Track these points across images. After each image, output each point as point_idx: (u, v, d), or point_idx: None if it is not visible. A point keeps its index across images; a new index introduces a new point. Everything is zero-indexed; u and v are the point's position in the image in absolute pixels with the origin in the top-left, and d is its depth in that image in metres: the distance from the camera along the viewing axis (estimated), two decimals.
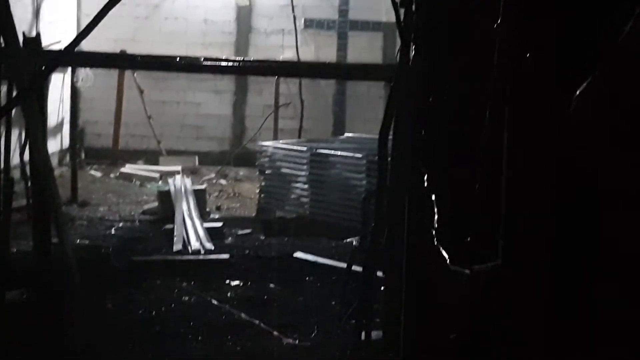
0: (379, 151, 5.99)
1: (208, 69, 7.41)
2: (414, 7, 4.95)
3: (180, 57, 6.95)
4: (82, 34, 5.60)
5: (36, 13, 15.40)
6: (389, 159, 6.18)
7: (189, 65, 6.97)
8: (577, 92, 2.53)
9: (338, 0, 17.82)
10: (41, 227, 7.94)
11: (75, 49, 6.52)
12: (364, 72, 8.31)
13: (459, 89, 4.10)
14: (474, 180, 3.27)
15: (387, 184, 6.07)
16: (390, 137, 6.00)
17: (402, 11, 5.19)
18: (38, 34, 6.92)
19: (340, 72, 9.21)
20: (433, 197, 3.27)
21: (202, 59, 7.33)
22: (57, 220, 7.83)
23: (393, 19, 18.27)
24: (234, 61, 10.31)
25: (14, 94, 7.18)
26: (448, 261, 2.96)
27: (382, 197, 6.12)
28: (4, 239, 7.56)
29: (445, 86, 4.28)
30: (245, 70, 9.41)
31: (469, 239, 2.93)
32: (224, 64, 8.07)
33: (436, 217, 3.15)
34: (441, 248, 3.06)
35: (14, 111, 8.73)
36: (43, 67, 6.70)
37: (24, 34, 6.66)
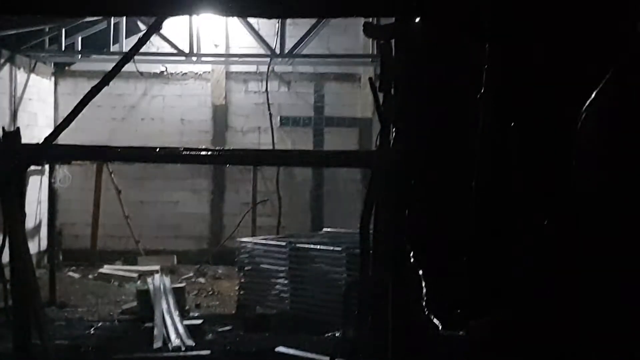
0: (360, 234, 6.00)
1: (188, 159, 7.43)
2: (392, 91, 5.04)
3: (160, 148, 6.96)
4: (61, 126, 5.64)
5: (13, 117, 15.48)
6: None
7: (169, 155, 6.98)
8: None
9: (313, 98, 18.04)
10: (22, 327, 7.84)
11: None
12: (342, 158, 8.34)
13: (439, 167, 4.15)
14: (459, 254, 3.29)
15: (370, 268, 6.08)
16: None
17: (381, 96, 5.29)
18: (17, 128, 6.95)
19: (320, 159, 9.24)
20: (420, 272, 3.29)
21: (181, 149, 7.35)
22: (38, 320, 7.74)
23: (368, 115, 18.36)
24: (213, 150, 10.36)
25: None
26: (440, 327, 2.96)
27: (365, 280, 6.11)
28: None
29: (426, 166, 4.32)
30: (225, 159, 9.41)
31: (459, 310, 2.95)
32: (203, 153, 8.07)
33: (424, 290, 3.17)
34: (432, 317, 3.06)
35: None
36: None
37: (3, 128, 6.68)
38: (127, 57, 5.54)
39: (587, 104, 2.47)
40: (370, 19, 9.90)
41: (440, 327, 2.97)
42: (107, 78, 5.60)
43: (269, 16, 10.03)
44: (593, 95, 2.43)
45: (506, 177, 3.09)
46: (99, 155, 8.13)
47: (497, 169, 3.13)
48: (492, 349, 2.67)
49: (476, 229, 3.19)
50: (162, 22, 5.49)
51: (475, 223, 3.20)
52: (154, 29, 5.45)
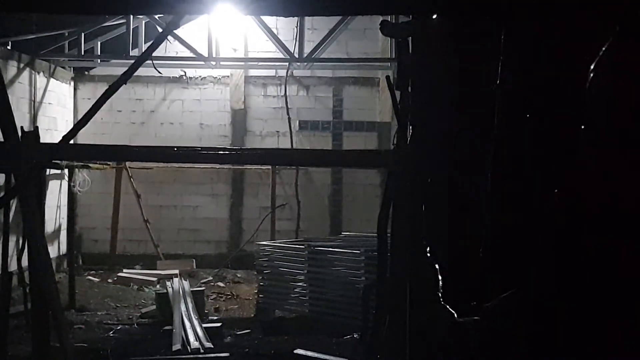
0: (378, 234, 5.98)
1: (206, 157, 7.42)
2: (409, 89, 5.02)
3: (178, 147, 6.96)
4: (79, 124, 5.65)
5: (33, 121, 15.55)
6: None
7: (187, 154, 6.98)
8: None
9: (332, 102, 18.03)
10: (41, 330, 7.84)
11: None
12: (359, 158, 8.31)
13: (455, 164, 4.13)
14: (473, 249, 3.28)
15: (388, 269, 6.05)
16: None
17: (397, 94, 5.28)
18: (36, 127, 6.97)
19: (337, 158, 9.21)
20: (437, 267, 3.28)
21: (199, 148, 7.34)
22: (57, 324, 7.74)
23: (387, 119, 18.25)
24: (231, 150, 10.38)
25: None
26: (455, 316, 2.95)
27: (383, 280, 6.08)
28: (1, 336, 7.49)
29: (442, 164, 4.31)
30: (242, 158, 9.38)
31: (474, 303, 2.94)
32: (221, 152, 8.04)
33: (440, 283, 3.17)
34: (448, 306, 3.05)
35: (12, 215, 8.75)
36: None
37: (22, 128, 6.70)
38: (145, 54, 5.56)
39: (594, 64, 2.47)
40: (388, 18, 9.90)
41: (455, 316, 2.96)
42: (126, 75, 5.61)
43: (288, 14, 9.94)
44: (599, 56, 2.43)
45: (520, 171, 3.08)
46: (117, 154, 8.13)
47: (512, 164, 3.12)
48: (503, 331, 2.67)
49: (491, 223, 3.17)
50: (179, 20, 5.52)
51: (491, 217, 3.18)
52: (171, 27, 5.47)
